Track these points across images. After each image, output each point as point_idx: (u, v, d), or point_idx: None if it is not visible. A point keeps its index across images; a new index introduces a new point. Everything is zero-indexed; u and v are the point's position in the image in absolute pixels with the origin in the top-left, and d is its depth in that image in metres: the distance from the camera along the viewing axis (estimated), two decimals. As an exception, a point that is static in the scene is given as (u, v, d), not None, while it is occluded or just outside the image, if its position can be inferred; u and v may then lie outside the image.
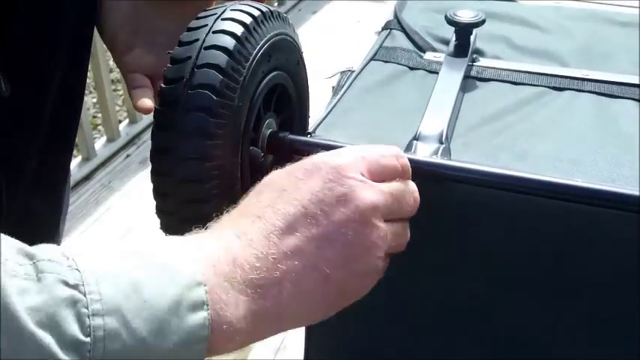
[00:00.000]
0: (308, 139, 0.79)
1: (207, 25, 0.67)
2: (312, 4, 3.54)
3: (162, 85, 0.65)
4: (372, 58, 0.99)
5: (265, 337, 0.53)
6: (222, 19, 0.67)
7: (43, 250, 0.45)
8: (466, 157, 0.77)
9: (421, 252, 0.76)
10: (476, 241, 0.77)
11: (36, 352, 0.41)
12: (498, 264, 0.77)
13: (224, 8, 0.69)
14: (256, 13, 0.68)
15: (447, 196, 0.74)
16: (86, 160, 2.37)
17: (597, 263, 0.74)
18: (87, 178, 2.32)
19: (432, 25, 1.04)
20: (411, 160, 0.73)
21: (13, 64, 0.71)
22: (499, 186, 0.72)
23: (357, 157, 0.58)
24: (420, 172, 0.71)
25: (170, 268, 0.49)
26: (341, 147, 0.74)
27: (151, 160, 0.66)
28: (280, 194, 0.55)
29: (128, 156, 2.45)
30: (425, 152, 0.75)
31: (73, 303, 0.43)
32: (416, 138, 0.77)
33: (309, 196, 0.54)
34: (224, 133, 0.65)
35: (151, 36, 0.80)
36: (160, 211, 0.67)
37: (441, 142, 0.77)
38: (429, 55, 0.99)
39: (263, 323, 0.52)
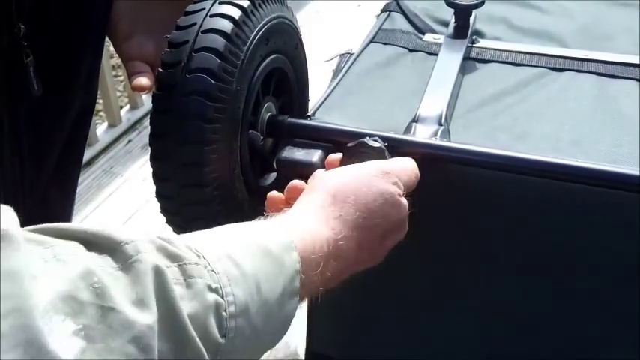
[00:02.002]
0: (307, 122, 0.79)
1: (204, 8, 0.67)
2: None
3: (160, 70, 0.65)
4: (372, 41, 0.99)
5: None
6: (220, 3, 0.67)
7: (183, 250, 0.47)
8: (465, 139, 0.77)
9: (419, 233, 0.77)
10: (476, 222, 0.77)
11: (195, 356, 0.44)
12: (498, 244, 0.78)
13: (222, -9, 0.68)
14: (254, -4, 0.68)
15: (446, 177, 0.74)
16: (88, 145, 2.37)
17: (597, 243, 0.74)
18: (89, 163, 2.31)
19: (432, 7, 1.04)
20: (410, 142, 0.73)
21: (45, 65, 0.72)
22: (498, 167, 0.72)
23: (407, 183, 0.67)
24: (419, 153, 0.71)
25: (279, 259, 0.53)
26: (340, 130, 0.75)
27: (150, 145, 0.66)
28: (358, 208, 0.62)
29: (130, 141, 2.44)
30: (424, 134, 0.75)
31: (217, 307, 0.46)
32: (415, 120, 0.77)
33: (380, 211, 0.63)
34: (222, 117, 0.65)
35: (150, 23, 0.81)
36: (160, 195, 0.68)
37: (440, 124, 0.77)
38: (428, 37, 0.98)
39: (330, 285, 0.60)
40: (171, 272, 0.45)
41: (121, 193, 2.23)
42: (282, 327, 0.54)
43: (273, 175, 0.76)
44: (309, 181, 0.65)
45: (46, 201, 0.83)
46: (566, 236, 0.75)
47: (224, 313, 0.47)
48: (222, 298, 0.47)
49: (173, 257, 0.46)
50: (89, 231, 0.43)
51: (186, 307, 0.44)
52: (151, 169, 0.68)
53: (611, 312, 0.78)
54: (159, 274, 0.43)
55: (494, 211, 0.76)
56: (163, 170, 0.66)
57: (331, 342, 0.93)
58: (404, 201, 0.65)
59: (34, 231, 0.42)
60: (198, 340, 0.44)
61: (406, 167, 0.68)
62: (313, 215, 0.60)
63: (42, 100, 0.72)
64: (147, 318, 0.41)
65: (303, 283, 0.55)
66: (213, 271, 0.47)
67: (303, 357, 0.94)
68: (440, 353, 0.86)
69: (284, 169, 0.72)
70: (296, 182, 0.66)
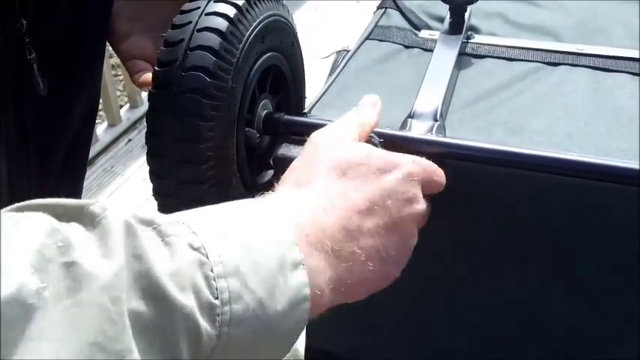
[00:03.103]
0: (304, 119, 0.80)
1: (199, 7, 0.67)
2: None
3: (156, 68, 0.65)
4: (368, 38, 0.99)
5: (333, 305, 0.56)
6: (215, 1, 0.67)
7: (157, 215, 0.44)
8: (461, 134, 0.78)
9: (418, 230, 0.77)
10: (472, 217, 0.77)
11: (183, 318, 0.40)
12: (495, 239, 0.78)
13: (217, -10, 0.69)
14: (249, -6, 0.69)
15: (442, 172, 0.74)
16: (88, 145, 2.37)
17: (595, 237, 0.74)
18: (89, 163, 2.31)
19: (427, 4, 1.04)
20: (406, 138, 0.73)
21: (49, 62, 0.72)
22: (494, 162, 0.73)
23: (419, 167, 0.64)
24: (415, 149, 0.71)
25: (269, 226, 0.49)
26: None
27: (146, 143, 0.66)
28: (363, 180, 0.59)
29: (130, 140, 2.46)
30: (420, 129, 0.76)
31: (201, 265, 0.42)
32: (411, 116, 0.78)
33: (387, 191, 0.59)
34: (218, 115, 0.65)
35: (147, 22, 0.81)
36: (157, 193, 0.68)
37: (435, 120, 0.77)
38: (424, 33, 0.99)
39: (338, 292, 0.55)
40: (147, 235, 0.42)
41: (122, 192, 2.23)
42: (294, 300, 0.48)
43: (270, 172, 0.76)
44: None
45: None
46: (563, 230, 0.75)
47: (210, 273, 0.43)
48: (207, 257, 0.43)
49: (147, 222, 0.43)
50: (58, 202, 0.41)
51: (165, 265, 0.41)
52: (149, 169, 0.68)
53: (611, 307, 0.78)
54: (128, 227, 0.40)
55: (491, 205, 0.76)
56: (160, 168, 0.66)
57: (331, 338, 0.93)
58: (420, 202, 0.63)
59: (11, 210, 0.41)
60: (184, 297, 0.40)
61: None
62: (290, 195, 0.57)
63: (47, 99, 0.73)
64: (111, 266, 0.38)
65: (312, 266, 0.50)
66: (194, 232, 0.44)
67: (302, 354, 0.95)
68: (440, 350, 0.87)
69: (281, 166, 0.73)
70: None
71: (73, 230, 0.40)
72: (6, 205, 0.39)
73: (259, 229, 0.49)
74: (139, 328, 0.38)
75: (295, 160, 0.62)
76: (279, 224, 0.51)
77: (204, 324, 0.41)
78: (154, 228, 0.43)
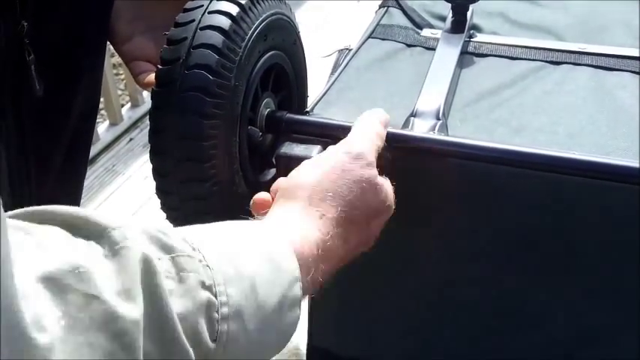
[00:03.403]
0: (306, 117, 0.80)
1: (202, 5, 0.67)
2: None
3: (159, 66, 0.66)
4: (370, 36, 0.99)
5: None
6: (218, 0, 0.68)
7: (176, 241, 0.44)
8: (463, 133, 0.78)
9: (419, 227, 0.77)
10: (474, 215, 0.78)
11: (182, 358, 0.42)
12: (496, 237, 0.78)
13: (220, -12, 0.69)
14: (252, -8, 0.69)
15: (444, 171, 0.74)
16: (90, 144, 2.37)
17: (596, 235, 0.75)
18: (91, 162, 2.31)
19: (429, 2, 1.05)
20: (408, 137, 0.74)
21: (47, 63, 0.72)
22: (496, 160, 0.73)
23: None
24: (418, 148, 0.71)
25: (276, 262, 0.51)
26: (338, 125, 0.75)
27: (149, 140, 0.66)
28: (338, 203, 0.61)
29: (131, 139, 2.45)
30: (422, 128, 0.76)
31: (208, 308, 0.44)
32: (413, 114, 0.78)
33: (359, 200, 0.62)
34: (221, 113, 0.65)
35: (149, 23, 0.81)
36: (160, 191, 0.68)
37: (437, 118, 0.77)
38: (426, 32, 0.99)
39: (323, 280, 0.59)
40: (163, 265, 0.42)
41: (123, 191, 2.23)
42: (280, 341, 0.52)
43: (273, 170, 0.76)
44: (280, 183, 0.64)
45: (54, 200, 0.83)
46: (564, 228, 0.75)
47: (216, 315, 0.44)
48: (216, 297, 0.44)
49: (166, 249, 0.43)
50: (77, 215, 0.41)
51: (176, 304, 0.42)
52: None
53: (611, 306, 0.78)
54: (147, 263, 0.41)
55: (493, 204, 0.76)
56: (163, 166, 0.66)
57: (332, 337, 0.93)
58: (380, 181, 0.63)
59: (20, 215, 0.41)
60: (186, 343, 0.41)
61: (365, 133, 0.67)
62: (299, 218, 0.59)
63: (45, 99, 0.72)
64: (132, 312, 0.38)
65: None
66: (208, 266, 0.45)
67: (304, 353, 0.95)
68: (440, 348, 0.87)
69: (283, 164, 0.73)
70: (263, 195, 0.64)
71: (91, 254, 0.39)
72: (6, 206, 0.38)
73: (268, 265, 0.50)
74: None
75: (315, 178, 0.63)
76: (285, 257, 0.53)
77: None
78: (172, 258, 0.43)
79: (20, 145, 0.72)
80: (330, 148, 0.66)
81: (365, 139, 0.66)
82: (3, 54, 0.67)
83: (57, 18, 0.74)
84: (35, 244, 0.38)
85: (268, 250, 0.51)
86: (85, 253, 0.39)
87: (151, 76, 0.78)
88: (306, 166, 0.65)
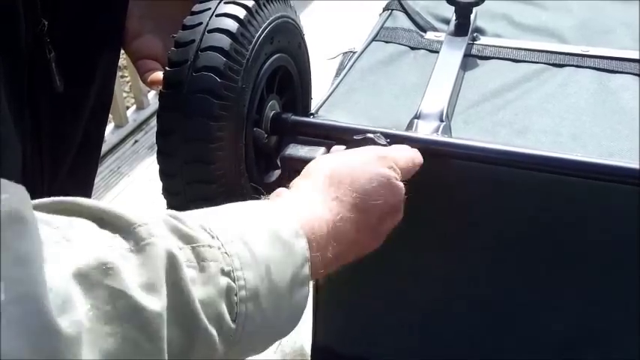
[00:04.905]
0: (311, 119, 0.81)
1: (210, 8, 0.68)
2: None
3: (167, 68, 0.66)
4: (374, 39, 1.00)
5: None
6: (225, 3, 0.68)
7: (196, 231, 0.47)
8: (467, 134, 0.79)
9: (423, 228, 0.78)
10: (477, 217, 0.78)
11: (206, 344, 0.45)
12: (500, 238, 0.79)
13: (227, -8, 0.70)
14: (258, -4, 0.69)
15: (447, 172, 0.75)
16: (95, 146, 2.38)
17: (598, 236, 0.75)
18: (96, 164, 2.33)
19: (433, 5, 1.05)
20: (412, 138, 0.74)
21: (65, 60, 0.73)
22: (499, 162, 0.73)
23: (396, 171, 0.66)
24: (421, 149, 0.72)
25: (289, 245, 0.54)
26: (343, 127, 0.76)
27: (156, 142, 0.67)
28: (355, 189, 0.62)
29: (136, 142, 2.46)
30: (426, 130, 0.77)
31: (228, 292, 0.47)
32: (417, 116, 0.78)
33: (377, 193, 0.63)
34: (228, 115, 0.66)
35: (158, 22, 0.82)
36: (167, 192, 0.69)
37: (441, 120, 0.78)
38: (430, 35, 0.99)
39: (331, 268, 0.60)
40: (185, 255, 0.45)
41: (129, 193, 2.24)
42: (293, 316, 0.54)
43: (278, 171, 0.77)
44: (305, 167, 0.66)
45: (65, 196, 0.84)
46: (567, 229, 0.76)
47: (235, 298, 0.47)
48: (234, 282, 0.47)
49: (187, 239, 0.46)
50: (102, 208, 0.43)
51: (199, 292, 0.44)
52: (157, 169, 0.69)
53: (611, 306, 0.79)
54: (171, 258, 0.43)
55: (496, 205, 0.77)
56: (170, 167, 0.67)
57: (336, 336, 0.94)
58: (400, 184, 0.65)
59: (43, 206, 0.42)
60: (210, 327, 0.44)
61: (404, 153, 0.68)
62: (311, 197, 0.60)
63: (62, 95, 0.73)
64: (156, 304, 0.40)
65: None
66: (226, 253, 0.48)
67: (309, 353, 0.96)
68: (443, 348, 0.87)
69: (288, 165, 0.74)
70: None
71: (117, 246, 0.41)
72: None
73: (281, 247, 0.53)
74: (170, 355, 0.41)
75: (337, 163, 0.64)
76: (297, 240, 0.55)
77: (220, 347, 0.46)
78: (193, 248, 0.46)
79: (35, 143, 0.73)
80: (364, 147, 0.68)
81: (402, 152, 0.68)
82: (25, 53, 0.68)
83: (75, 14, 0.74)
84: (62, 237, 0.39)
85: (279, 230, 0.53)
86: (112, 247, 0.41)
87: (156, 75, 0.78)
88: (332, 154, 0.68)
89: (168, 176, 0.68)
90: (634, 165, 0.70)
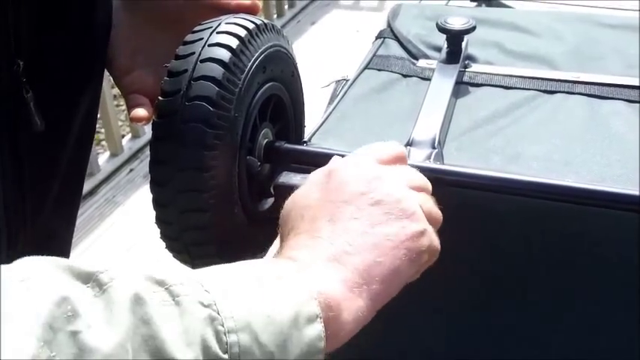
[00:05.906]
0: (304, 147, 0.81)
1: (202, 38, 0.69)
2: (311, 16, 3.55)
3: (160, 98, 0.67)
4: (366, 67, 1.01)
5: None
6: (218, 33, 0.69)
7: (170, 275, 0.45)
8: (459, 161, 0.79)
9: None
10: (471, 244, 0.78)
11: None
12: (494, 265, 0.79)
13: (219, 22, 0.70)
14: (251, 25, 0.70)
15: (439, 199, 0.75)
16: (90, 175, 2.38)
17: (593, 262, 0.75)
18: (91, 193, 2.32)
19: (425, 33, 1.06)
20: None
21: (45, 99, 0.73)
22: (492, 188, 0.73)
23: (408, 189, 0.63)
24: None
25: (286, 286, 0.50)
26: (336, 155, 0.76)
27: (150, 171, 0.67)
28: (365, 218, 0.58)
29: (132, 170, 2.47)
30: (418, 157, 0.77)
31: (211, 321, 0.44)
32: (409, 144, 0.79)
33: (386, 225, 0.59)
34: (221, 144, 0.66)
35: (149, 56, 0.82)
36: (160, 221, 0.69)
37: (433, 147, 0.78)
38: (421, 63, 1.00)
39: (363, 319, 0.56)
40: (160, 296, 0.43)
41: (124, 222, 2.24)
42: (307, 353, 0.48)
43: (271, 200, 0.77)
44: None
45: (48, 233, 0.83)
46: (561, 256, 0.76)
47: (221, 327, 0.44)
48: (218, 314, 0.44)
49: (160, 282, 0.44)
50: (67, 266, 0.43)
51: (175, 323, 0.43)
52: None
53: (610, 330, 0.78)
54: (137, 297, 0.42)
55: (489, 232, 0.77)
56: (163, 196, 0.67)
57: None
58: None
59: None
60: (190, 354, 0.42)
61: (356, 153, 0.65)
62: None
63: (44, 132, 0.73)
64: (115, 336, 0.40)
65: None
66: (206, 290, 0.45)
67: None
68: (442, 353, 0.87)
69: (281, 193, 0.74)
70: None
71: (82, 297, 0.41)
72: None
73: (275, 285, 0.50)
74: None
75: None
76: (296, 283, 0.51)
77: None
78: (166, 289, 0.44)
79: (17, 177, 0.73)
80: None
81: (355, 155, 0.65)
82: (0, 93, 0.68)
83: (53, 54, 0.75)
84: (34, 295, 0.39)
85: (274, 273, 0.51)
86: (76, 296, 0.40)
87: (136, 112, 0.79)
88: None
89: (162, 205, 0.68)
90: (627, 191, 0.70)
